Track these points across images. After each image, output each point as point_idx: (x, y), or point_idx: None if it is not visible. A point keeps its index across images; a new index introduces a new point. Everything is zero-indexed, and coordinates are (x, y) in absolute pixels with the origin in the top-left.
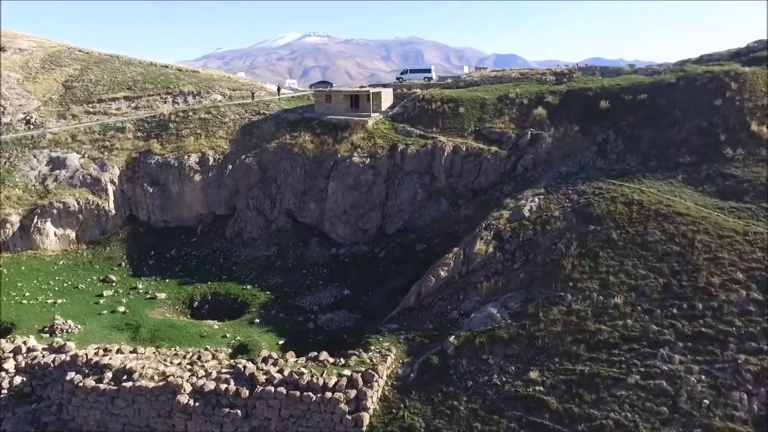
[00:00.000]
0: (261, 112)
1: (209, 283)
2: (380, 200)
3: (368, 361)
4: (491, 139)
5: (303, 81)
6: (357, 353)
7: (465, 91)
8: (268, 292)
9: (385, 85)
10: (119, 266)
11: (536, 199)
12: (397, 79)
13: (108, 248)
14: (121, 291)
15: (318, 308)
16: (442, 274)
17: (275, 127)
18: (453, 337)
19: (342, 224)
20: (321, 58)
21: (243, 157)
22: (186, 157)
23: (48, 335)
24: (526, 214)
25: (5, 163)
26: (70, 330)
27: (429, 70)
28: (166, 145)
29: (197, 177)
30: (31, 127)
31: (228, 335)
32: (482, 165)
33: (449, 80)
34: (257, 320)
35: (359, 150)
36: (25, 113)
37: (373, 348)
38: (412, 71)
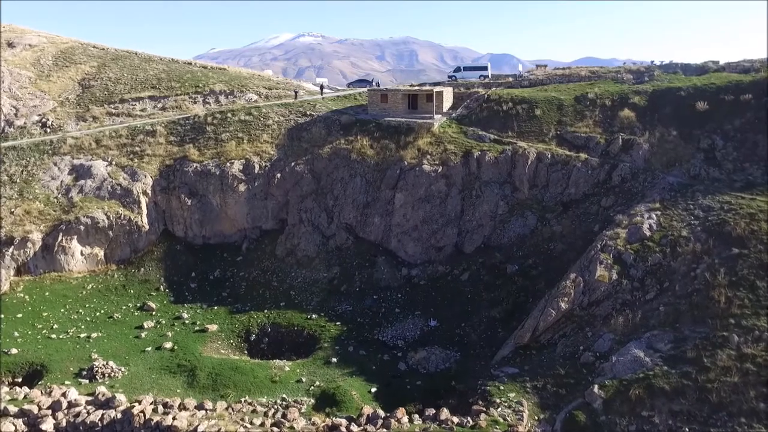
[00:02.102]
0: (307, 113)
1: (266, 311)
2: (455, 214)
3: (501, 420)
4: (576, 144)
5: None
6: (484, 409)
7: (534, 90)
8: (338, 323)
9: (436, 84)
10: (157, 291)
11: (653, 215)
12: (450, 77)
13: (142, 269)
14: (163, 322)
15: (403, 343)
16: (563, 305)
17: (326, 129)
18: (597, 386)
19: (412, 241)
20: (315, 58)
21: (293, 164)
22: (228, 164)
23: (87, 380)
24: (647, 233)
25: (22, 172)
26: (112, 373)
27: (485, 68)
28: (204, 150)
29: (241, 187)
30: (48, 130)
31: (304, 379)
32: (571, 174)
33: (510, 79)
34: (334, 359)
35: (428, 157)
36: (40, 115)
37: (497, 400)
38: (467, 69)
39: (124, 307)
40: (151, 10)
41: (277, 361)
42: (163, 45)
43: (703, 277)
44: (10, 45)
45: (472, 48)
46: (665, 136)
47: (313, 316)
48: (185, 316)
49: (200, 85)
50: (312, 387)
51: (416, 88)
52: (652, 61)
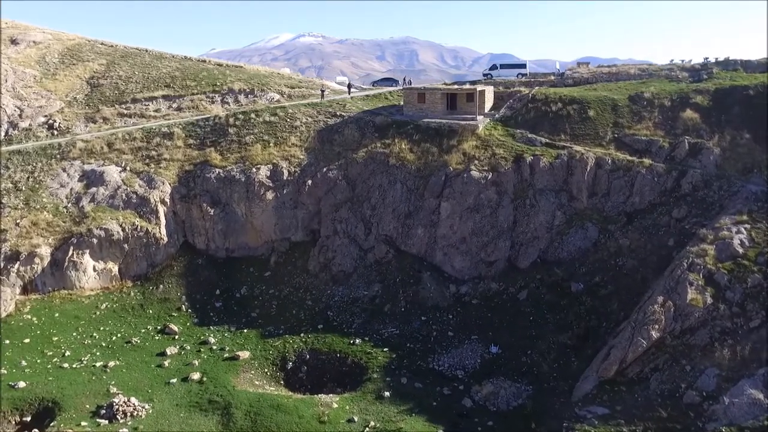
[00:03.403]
0: (337, 113)
1: (302, 334)
2: (508, 225)
3: None
4: (636, 148)
5: None
6: None
7: (582, 90)
8: (385, 349)
9: (472, 83)
10: (179, 311)
11: (742, 229)
12: (485, 75)
13: (161, 286)
14: (188, 347)
15: (463, 373)
16: (654, 334)
17: (359, 132)
18: None
19: (459, 255)
20: (316, 58)
21: (324, 169)
22: (254, 170)
23: (106, 421)
24: (739, 250)
25: (28, 178)
26: (135, 412)
27: (524, 65)
28: (227, 154)
29: (269, 195)
30: (56, 132)
31: (356, 418)
32: (635, 181)
33: (552, 77)
34: (386, 392)
35: (476, 162)
36: (46, 116)
37: None
38: (504, 66)
39: (143, 330)
40: (147, 10)
41: (323, 396)
42: (161, 46)
43: None
44: (14, 42)
45: (472, 48)
46: (737, 140)
47: (357, 340)
48: (212, 340)
49: (218, 83)
50: (367, 429)
51: (455, 86)
52: (706, 58)
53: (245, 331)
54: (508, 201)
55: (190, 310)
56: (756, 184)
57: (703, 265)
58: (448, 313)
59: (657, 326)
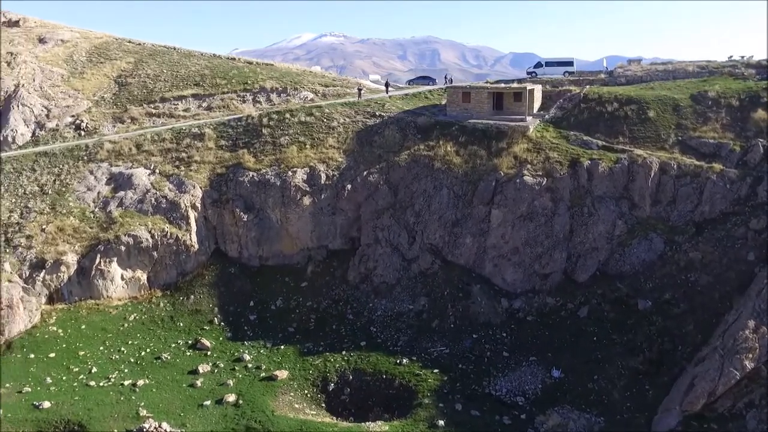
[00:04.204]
0: (376, 113)
1: (344, 352)
2: (564, 235)
3: None
4: (702, 152)
5: None
6: None
7: (637, 89)
8: (435, 370)
9: (520, 81)
10: (211, 324)
11: None
12: (529, 74)
13: (191, 297)
14: (221, 365)
15: (524, 400)
16: (748, 364)
17: (401, 133)
18: None
19: (511, 267)
20: (338, 57)
21: (365, 173)
22: (290, 173)
23: None
24: None
25: (55, 181)
26: None
27: (571, 63)
28: (260, 157)
29: (305, 200)
30: (83, 133)
31: None
32: (704, 188)
33: (602, 75)
34: (440, 421)
35: (528, 166)
36: (73, 116)
37: None
38: (549, 64)
39: (173, 345)
40: (169, 10)
41: (371, 424)
42: (184, 46)
43: None
44: (42, 41)
45: (494, 47)
46: None
47: (404, 360)
48: (247, 357)
49: (249, 82)
50: None
51: (502, 85)
52: None
53: (282, 347)
54: (564, 209)
55: (222, 323)
56: None
57: None
58: (501, 330)
59: (751, 355)
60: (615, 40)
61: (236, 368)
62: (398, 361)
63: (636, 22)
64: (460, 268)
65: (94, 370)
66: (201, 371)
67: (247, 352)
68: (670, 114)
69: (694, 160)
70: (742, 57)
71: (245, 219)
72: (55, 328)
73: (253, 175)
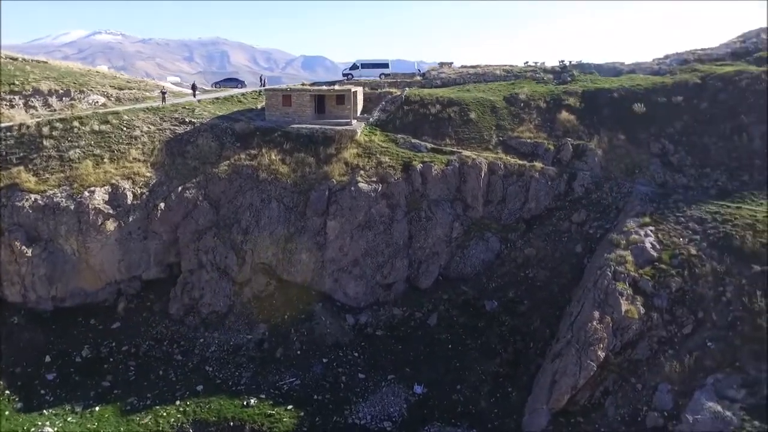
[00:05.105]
0: (186, 120)
1: (178, 402)
2: (404, 241)
3: None
4: (522, 151)
5: None
6: None
7: (455, 91)
8: (289, 407)
9: (327, 83)
10: None
11: (648, 232)
12: (345, 75)
13: None
14: None
15: (391, 424)
16: (601, 354)
17: (217, 141)
18: None
19: (353, 280)
20: (116, 58)
21: (179, 188)
22: (86, 193)
23: None
24: (653, 254)
25: None
26: None
27: (386, 65)
28: (44, 175)
29: (109, 224)
30: None
31: None
32: (530, 186)
33: (418, 78)
34: None
35: (362, 172)
36: None
37: None
38: (365, 66)
39: None
40: None
41: None
42: None
43: (739, 302)
44: None
45: (284, 50)
46: (614, 141)
47: (251, 400)
48: (50, 431)
49: (17, 82)
50: None
51: (324, 88)
52: (561, 61)
53: (97, 408)
54: (402, 214)
55: (8, 392)
56: (642, 184)
57: (626, 273)
58: (352, 350)
59: (602, 345)
60: (401, 41)
61: None
62: (245, 403)
63: (413, 24)
64: (298, 287)
65: None
66: None
67: (49, 423)
68: (489, 115)
69: (517, 160)
70: (536, 63)
71: (29, 254)
72: None
73: (35, 199)
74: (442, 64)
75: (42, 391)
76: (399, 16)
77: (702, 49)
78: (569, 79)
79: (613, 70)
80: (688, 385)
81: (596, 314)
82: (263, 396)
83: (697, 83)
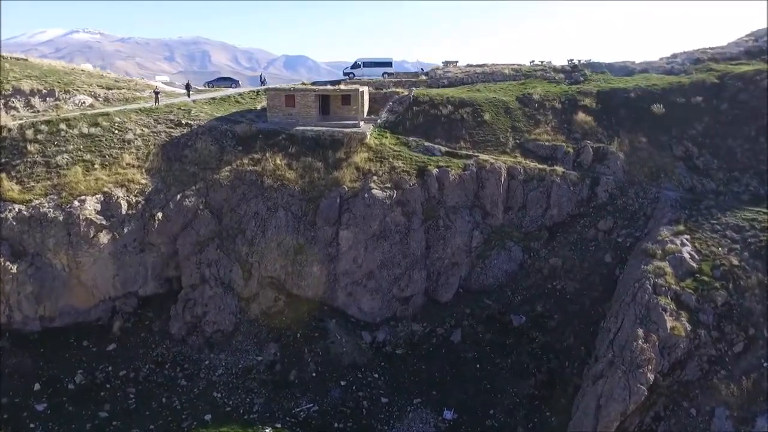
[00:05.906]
0: (182, 122)
1: None
2: (421, 252)
3: None
4: (540, 155)
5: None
6: None
7: (464, 91)
8: None
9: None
10: None
11: (685, 241)
12: (346, 74)
13: None
14: None
15: None
16: (650, 376)
17: (217, 145)
18: None
19: (368, 293)
20: (95, 57)
21: (178, 196)
22: (76, 203)
23: None
24: (693, 264)
25: None
26: None
27: (389, 64)
28: (29, 183)
29: (102, 236)
30: None
31: None
32: (551, 192)
33: (423, 77)
34: None
35: (374, 178)
36: None
37: None
38: (367, 64)
39: None
40: None
41: None
42: None
43: None
44: None
45: (267, 49)
46: (635, 144)
47: (266, 430)
48: None
49: None
50: None
51: (329, 87)
52: (570, 60)
53: None
54: (419, 223)
55: None
56: (670, 189)
57: (667, 287)
58: (371, 371)
59: (650, 366)
60: (378, 42)
61: None
62: None
63: (394, 24)
64: (309, 302)
65: None
66: None
67: None
68: (504, 116)
69: (536, 164)
70: (542, 62)
71: (14, 270)
72: None
73: (19, 209)
74: (446, 63)
75: (32, 425)
76: (378, 17)
77: (713, 48)
78: (582, 78)
79: (624, 69)
80: (747, 410)
81: (640, 332)
82: (279, 425)
83: (715, 83)
